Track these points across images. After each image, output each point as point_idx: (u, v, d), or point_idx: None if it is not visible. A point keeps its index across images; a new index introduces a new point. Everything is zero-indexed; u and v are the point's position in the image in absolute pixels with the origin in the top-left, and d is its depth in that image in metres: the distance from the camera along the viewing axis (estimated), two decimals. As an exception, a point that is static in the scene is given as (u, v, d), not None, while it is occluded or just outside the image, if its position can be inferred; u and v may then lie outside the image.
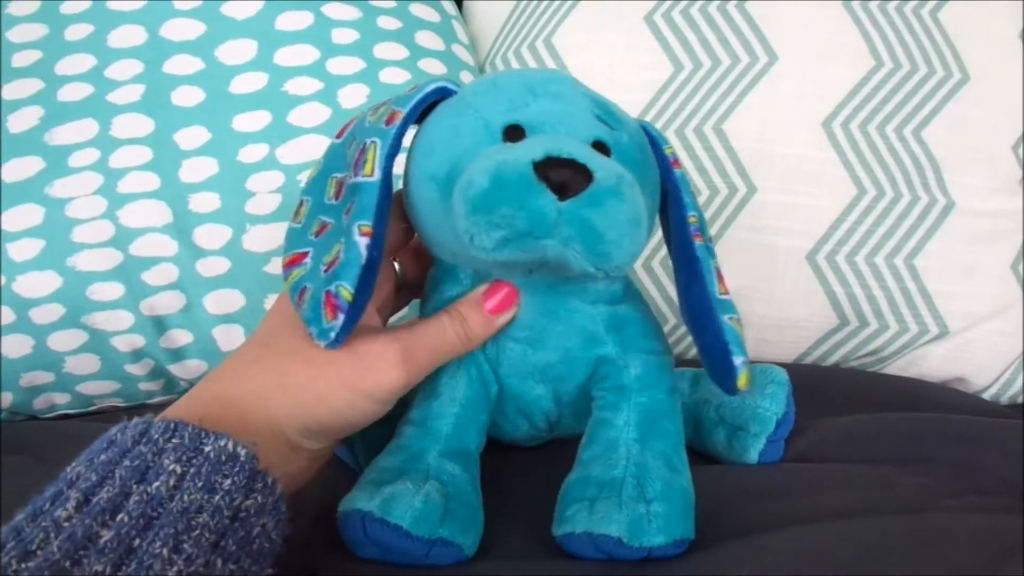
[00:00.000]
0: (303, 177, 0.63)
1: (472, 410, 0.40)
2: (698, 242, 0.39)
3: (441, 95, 0.39)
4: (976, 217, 0.66)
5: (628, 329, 0.41)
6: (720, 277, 0.39)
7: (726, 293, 0.38)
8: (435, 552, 0.35)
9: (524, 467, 0.44)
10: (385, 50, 0.69)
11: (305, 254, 0.37)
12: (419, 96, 0.38)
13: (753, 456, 0.45)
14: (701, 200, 0.67)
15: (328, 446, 0.37)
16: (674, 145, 0.60)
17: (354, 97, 0.66)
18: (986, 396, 0.68)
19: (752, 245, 0.67)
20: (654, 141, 0.40)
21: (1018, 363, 0.68)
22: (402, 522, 0.34)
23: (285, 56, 0.66)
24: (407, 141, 0.39)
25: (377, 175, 0.35)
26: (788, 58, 0.67)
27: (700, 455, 0.47)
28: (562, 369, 0.40)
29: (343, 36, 0.68)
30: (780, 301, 0.67)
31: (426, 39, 0.72)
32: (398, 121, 0.37)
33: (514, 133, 0.36)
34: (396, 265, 0.43)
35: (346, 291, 0.33)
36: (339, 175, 0.38)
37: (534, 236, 0.32)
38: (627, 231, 0.33)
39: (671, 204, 0.40)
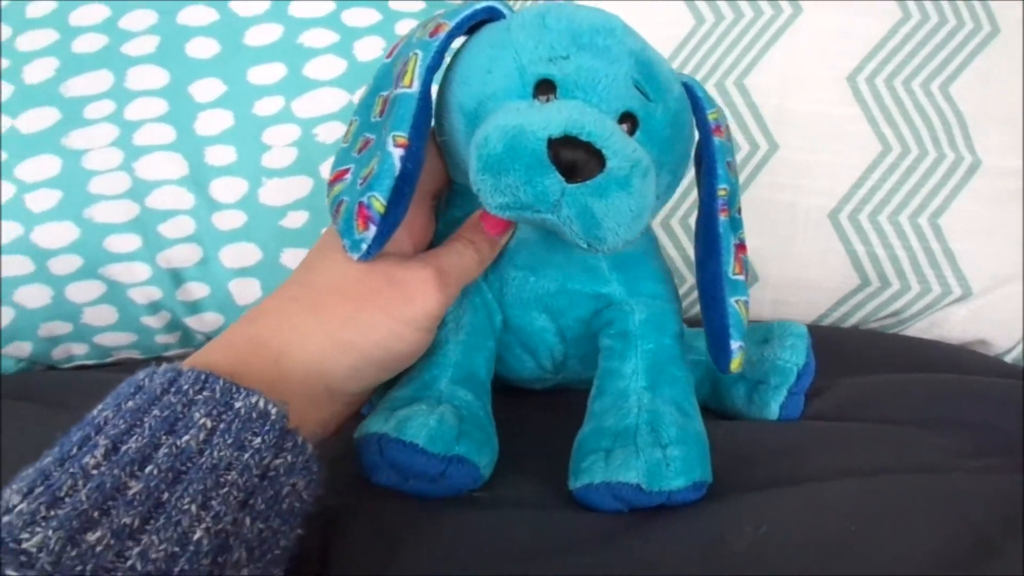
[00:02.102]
0: (319, 131, 0.62)
1: (478, 336, 0.40)
2: (723, 217, 0.38)
3: (490, 15, 0.38)
4: (1003, 176, 0.65)
5: (634, 270, 0.41)
6: (739, 253, 0.39)
7: (740, 273, 0.39)
8: (451, 471, 0.35)
9: (536, 419, 0.44)
10: (401, 2, 0.68)
11: (347, 171, 0.37)
12: (467, 12, 0.37)
13: (774, 409, 0.44)
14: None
15: (367, 389, 0.37)
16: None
17: (370, 49, 0.65)
18: (1008, 359, 0.67)
19: (773, 203, 0.66)
20: (698, 104, 0.39)
21: (1040, 326, 0.67)
22: (417, 439, 0.34)
23: (300, 8, 0.65)
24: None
25: (416, 87, 0.35)
26: (812, 10, 0.66)
27: (718, 414, 0.47)
28: (562, 300, 0.41)
29: (359, -13, 0.67)
30: (800, 261, 0.66)
31: (443, -10, 0.71)
32: (442, 34, 0.36)
33: (545, 88, 0.35)
34: (436, 206, 0.42)
35: (378, 202, 0.33)
36: (385, 92, 0.37)
37: (534, 209, 0.32)
38: (626, 222, 0.33)
39: (704, 173, 0.40)
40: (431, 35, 0.36)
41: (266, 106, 0.62)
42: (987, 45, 0.65)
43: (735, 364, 0.38)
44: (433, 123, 0.39)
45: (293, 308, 0.35)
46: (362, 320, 0.35)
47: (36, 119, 0.60)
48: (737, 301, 0.38)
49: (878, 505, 0.34)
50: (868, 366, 0.54)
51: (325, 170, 0.62)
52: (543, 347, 0.42)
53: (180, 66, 0.62)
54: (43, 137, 0.60)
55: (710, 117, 0.39)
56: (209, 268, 0.62)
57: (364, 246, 0.34)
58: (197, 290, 0.62)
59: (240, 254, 0.62)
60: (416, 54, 0.36)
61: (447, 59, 0.38)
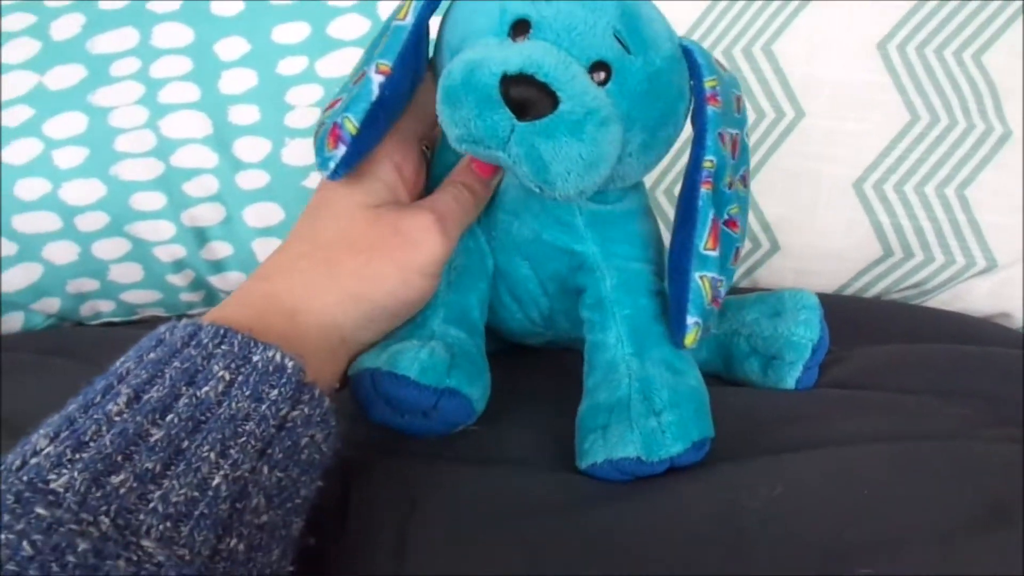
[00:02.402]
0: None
1: (470, 277, 0.41)
2: (704, 189, 0.37)
3: None
4: (1034, 148, 0.64)
5: (611, 230, 0.40)
6: (724, 227, 0.38)
7: (714, 248, 0.37)
8: (444, 403, 0.36)
9: (542, 378, 0.45)
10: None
11: (339, 100, 0.37)
12: None
13: (790, 384, 0.44)
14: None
15: (379, 337, 0.38)
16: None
17: (394, 8, 0.64)
18: (1030, 333, 0.67)
19: (797, 172, 0.65)
20: (696, 70, 0.38)
21: (1065, 302, 0.66)
22: (409, 372, 0.35)
23: (325, -34, 0.65)
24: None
25: (409, 19, 0.36)
26: (845, -24, 0.64)
27: (731, 383, 0.47)
28: (537, 250, 0.41)
29: (384, -54, 0.66)
30: (823, 230, 0.66)
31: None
32: None
33: (522, 28, 0.35)
34: (427, 153, 0.42)
35: (351, 123, 0.34)
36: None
37: (485, 145, 0.32)
38: (575, 168, 0.32)
39: (694, 142, 0.38)
40: None
41: (290, 65, 0.62)
42: (1022, 14, 0.64)
43: (689, 339, 0.36)
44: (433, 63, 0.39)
45: (303, 264, 0.36)
46: (372, 271, 0.35)
47: (63, 76, 0.61)
48: (702, 277, 0.37)
49: (893, 470, 0.34)
50: (889, 336, 0.53)
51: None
52: (528, 296, 0.43)
53: (205, 24, 0.62)
54: (70, 94, 0.60)
55: (707, 84, 0.37)
56: (233, 227, 0.62)
57: (332, 164, 0.34)
58: (221, 249, 0.63)
59: (263, 213, 0.62)
60: None
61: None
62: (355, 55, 0.63)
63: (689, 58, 0.38)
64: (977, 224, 0.64)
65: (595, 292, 0.40)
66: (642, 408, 0.36)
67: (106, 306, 0.65)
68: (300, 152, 0.62)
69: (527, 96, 0.31)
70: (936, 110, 0.63)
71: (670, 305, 0.38)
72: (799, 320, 0.45)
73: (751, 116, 0.65)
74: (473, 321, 0.40)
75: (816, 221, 0.66)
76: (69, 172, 0.59)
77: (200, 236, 0.62)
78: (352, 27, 0.63)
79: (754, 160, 0.66)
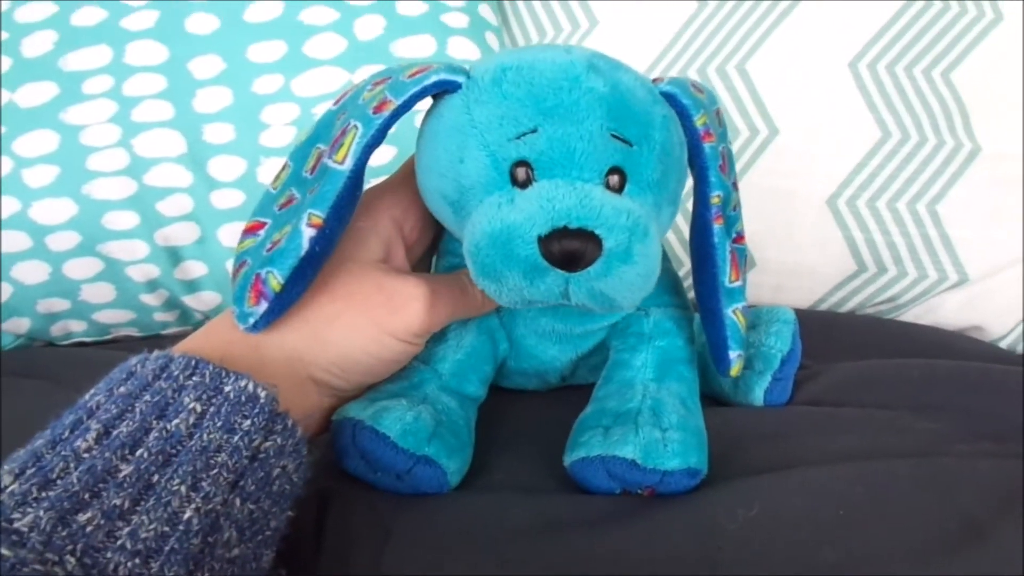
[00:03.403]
0: (318, 110, 0.62)
1: (476, 359, 0.40)
2: (717, 225, 0.38)
3: (443, 88, 0.35)
4: (1001, 164, 0.65)
5: None
6: (737, 243, 0.39)
7: (737, 279, 0.38)
8: (418, 470, 0.35)
9: (534, 408, 0.44)
10: (403, -20, 0.68)
11: (263, 224, 0.36)
12: (415, 89, 0.34)
13: (758, 395, 0.44)
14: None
15: (356, 388, 0.37)
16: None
17: (370, 28, 0.65)
18: (1002, 345, 0.68)
19: (772, 189, 0.66)
20: (684, 113, 0.37)
21: (1034, 314, 0.67)
22: (390, 432, 0.35)
23: (301, -16, 0.65)
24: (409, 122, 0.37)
25: (348, 164, 0.33)
26: (816, -5, 0.65)
27: (710, 399, 0.47)
28: (576, 333, 0.41)
29: (360, -36, 0.67)
30: (798, 246, 0.66)
31: (445, -31, 0.70)
32: (386, 112, 0.33)
33: (522, 171, 0.33)
34: None
35: (275, 280, 0.32)
36: (322, 146, 0.36)
37: (543, 302, 0.33)
38: (638, 286, 0.32)
39: (697, 181, 0.38)
40: (375, 111, 0.34)
41: (265, 84, 0.62)
42: (989, 32, 0.65)
43: (734, 371, 0.39)
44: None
45: None
46: (345, 320, 0.35)
47: (34, 93, 0.60)
48: (735, 311, 0.38)
49: (868, 488, 0.35)
50: (864, 350, 0.54)
51: (324, 149, 0.62)
52: (553, 370, 0.43)
53: (179, 42, 0.62)
54: (41, 112, 0.60)
55: (698, 123, 0.37)
56: (207, 247, 0.62)
57: (252, 320, 0.32)
58: (195, 268, 0.62)
59: (238, 233, 0.61)
60: (356, 128, 0.34)
61: (419, 122, 0.37)
62: (331, 74, 0.63)
63: (674, 104, 0.37)
64: (948, 239, 0.65)
65: (637, 327, 0.41)
66: (650, 419, 0.36)
67: (78, 326, 0.64)
68: (275, 171, 0.61)
69: (572, 250, 0.31)
70: (907, 127, 0.64)
71: (708, 343, 0.40)
72: (771, 332, 0.45)
73: (726, 133, 0.66)
74: (468, 397, 0.40)
75: (791, 237, 0.66)
76: (39, 191, 0.59)
77: (174, 256, 0.62)
78: (328, 46, 0.63)
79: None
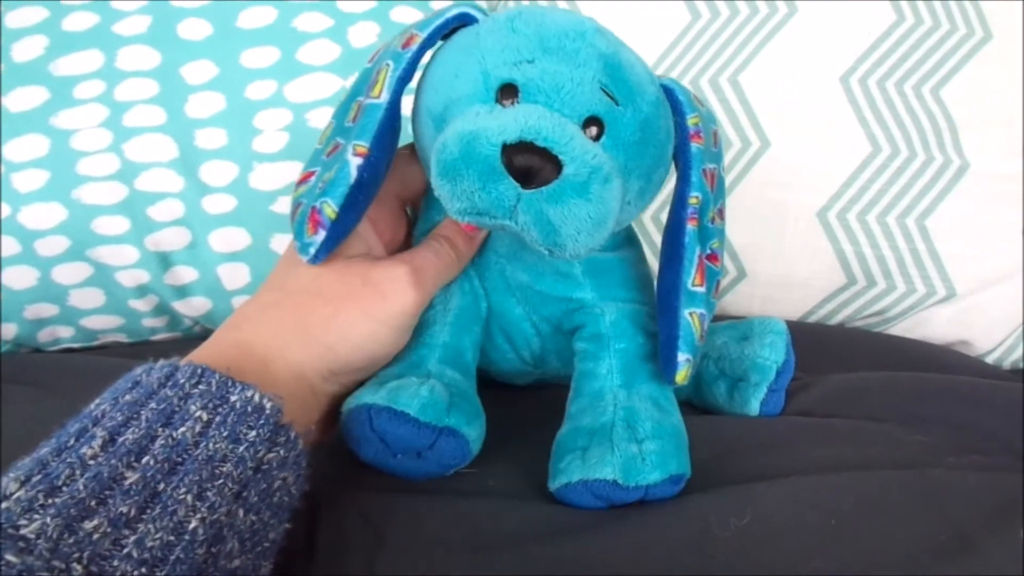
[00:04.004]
0: (311, 116, 0.62)
1: (465, 319, 0.41)
2: (690, 226, 0.38)
3: (463, 21, 0.38)
4: (990, 179, 0.66)
5: (607, 276, 0.41)
6: (708, 262, 0.39)
7: (700, 284, 0.38)
8: (441, 443, 0.35)
9: (522, 412, 0.44)
10: (397, -11, 0.68)
11: (313, 173, 0.37)
12: (439, 22, 0.37)
13: (755, 406, 0.45)
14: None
15: (343, 391, 0.37)
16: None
17: (364, 35, 0.65)
18: (989, 360, 0.68)
19: (763, 201, 0.66)
20: (678, 108, 0.38)
21: (1020, 330, 0.67)
22: (409, 408, 0.35)
23: (295, -9, 0.65)
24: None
25: (384, 97, 0.36)
26: (807, 10, 0.66)
27: (701, 409, 0.47)
28: (533, 295, 0.41)
29: (355, -27, 0.67)
30: (788, 258, 0.67)
31: (439, -21, 0.70)
32: (414, 46, 0.36)
33: (508, 92, 0.34)
34: (409, 211, 0.43)
35: (330, 208, 0.34)
36: (361, 98, 0.37)
37: (491, 216, 0.32)
38: (585, 228, 0.32)
39: (679, 179, 0.39)
40: (403, 46, 0.36)
41: (258, 90, 0.62)
42: (979, 50, 0.66)
43: (680, 376, 0.37)
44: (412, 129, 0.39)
45: (274, 313, 0.36)
46: (340, 321, 0.35)
47: (24, 98, 0.60)
48: (691, 313, 0.38)
49: (860, 499, 0.35)
50: (853, 363, 0.54)
51: (317, 156, 0.62)
52: (520, 336, 0.43)
53: (172, 47, 0.62)
54: (31, 116, 0.59)
55: (689, 122, 0.38)
56: (198, 252, 0.62)
57: (312, 250, 0.34)
58: (185, 274, 0.62)
59: (229, 238, 0.62)
60: (388, 64, 0.36)
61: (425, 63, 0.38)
62: (324, 80, 0.63)
63: (671, 97, 0.38)
64: (936, 254, 0.65)
65: (594, 327, 0.40)
66: (625, 434, 0.36)
67: (65, 332, 0.63)
68: (268, 177, 0.61)
69: (531, 164, 0.31)
70: (897, 142, 0.65)
71: (660, 343, 0.39)
72: (765, 343, 0.45)
73: (717, 146, 0.66)
74: (467, 363, 0.40)
75: (782, 249, 0.67)
76: (29, 196, 0.58)
77: (164, 261, 0.61)
78: (322, 52, 0.63)
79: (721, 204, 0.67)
